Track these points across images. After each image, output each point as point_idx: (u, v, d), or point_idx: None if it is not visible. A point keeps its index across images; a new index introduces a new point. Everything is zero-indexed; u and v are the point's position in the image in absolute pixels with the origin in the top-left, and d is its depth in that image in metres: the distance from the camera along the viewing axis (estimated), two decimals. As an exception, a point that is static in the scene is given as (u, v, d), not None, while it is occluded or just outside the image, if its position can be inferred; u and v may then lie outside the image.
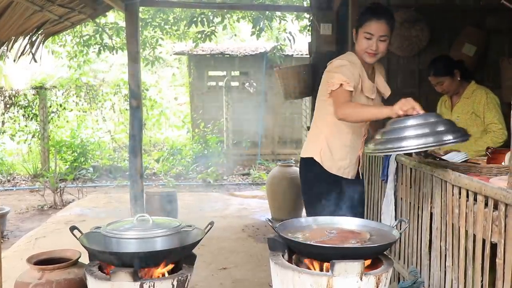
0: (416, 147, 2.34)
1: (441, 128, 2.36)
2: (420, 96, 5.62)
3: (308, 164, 3.03)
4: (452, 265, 2.57)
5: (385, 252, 2.34)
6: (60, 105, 10.99)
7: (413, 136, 2.34)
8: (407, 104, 2.45)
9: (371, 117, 2.74)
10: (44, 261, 2.89)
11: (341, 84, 2.77)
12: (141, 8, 6.72)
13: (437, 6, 5.57)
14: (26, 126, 10.84)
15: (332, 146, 2.96)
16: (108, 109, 11.34)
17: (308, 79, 5.39)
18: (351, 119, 2.78)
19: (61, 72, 12.91)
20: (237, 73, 11.85)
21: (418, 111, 2.43)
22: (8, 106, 10.78)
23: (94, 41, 9.51)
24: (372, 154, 3.77)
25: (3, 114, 10.77)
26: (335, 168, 2.98)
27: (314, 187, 3.02)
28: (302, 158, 3.10)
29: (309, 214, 3.04)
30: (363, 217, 3.07)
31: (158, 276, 2.45)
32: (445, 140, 2.33)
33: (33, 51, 4.83)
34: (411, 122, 2.40)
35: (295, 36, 8.12)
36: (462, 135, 2.38)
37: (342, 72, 2.82)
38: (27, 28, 4.52)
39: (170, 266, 2.51)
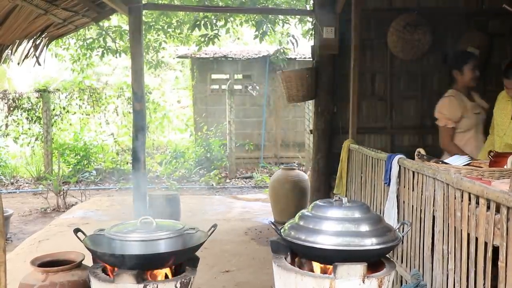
0: (332, 246, 2.13)
1: (364, 228, 2.19)
2: (423, 99, 5.64)
3: None
4: (454, 268, 2.58)
5: (387, 255, 2.35)
6: (64, 108, 11.02)
7: (331, 232, 2.16)
8: None
9: None
10: (48, 263, 2.90)
11: None
12: (144, 12, 6.74)
13: (439, 9, 5.56)
14: (29, 129, 10.88)
15: None
16: (111, 112, 11.37)
17: (311, 82, 5.40)
18: None
19: (65, 75, 12.99)
20: (240, 76, 11.87)
21: None
22: (11, 109, 10.82)
23: (98, 44, 9.55)
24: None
25: (7, 117, 10.81)
26: None
27: None
28: None
29: None
30: None
31: (161, 278, 2.46)
32: (366, 245, 2.14)
33: (37, 54, 4.86)
34: (332, 213, 2.24)
35: (298, 40, 8.13)
36: (389, 241, 2.21)
37: None
38: (31, 31, 4.55)
39: (173, 268, 2.52)
